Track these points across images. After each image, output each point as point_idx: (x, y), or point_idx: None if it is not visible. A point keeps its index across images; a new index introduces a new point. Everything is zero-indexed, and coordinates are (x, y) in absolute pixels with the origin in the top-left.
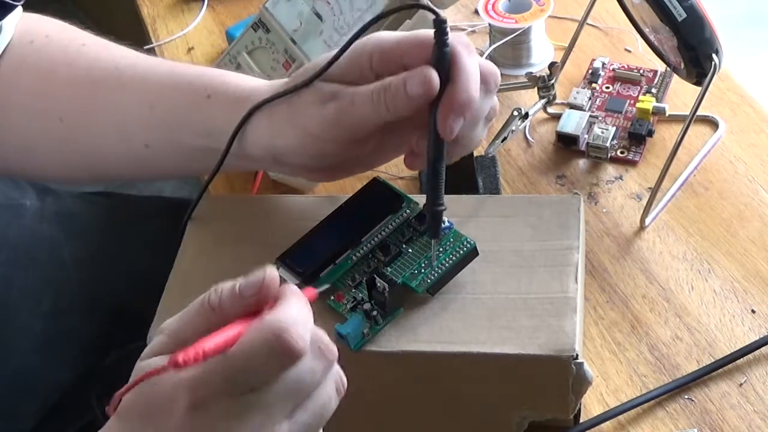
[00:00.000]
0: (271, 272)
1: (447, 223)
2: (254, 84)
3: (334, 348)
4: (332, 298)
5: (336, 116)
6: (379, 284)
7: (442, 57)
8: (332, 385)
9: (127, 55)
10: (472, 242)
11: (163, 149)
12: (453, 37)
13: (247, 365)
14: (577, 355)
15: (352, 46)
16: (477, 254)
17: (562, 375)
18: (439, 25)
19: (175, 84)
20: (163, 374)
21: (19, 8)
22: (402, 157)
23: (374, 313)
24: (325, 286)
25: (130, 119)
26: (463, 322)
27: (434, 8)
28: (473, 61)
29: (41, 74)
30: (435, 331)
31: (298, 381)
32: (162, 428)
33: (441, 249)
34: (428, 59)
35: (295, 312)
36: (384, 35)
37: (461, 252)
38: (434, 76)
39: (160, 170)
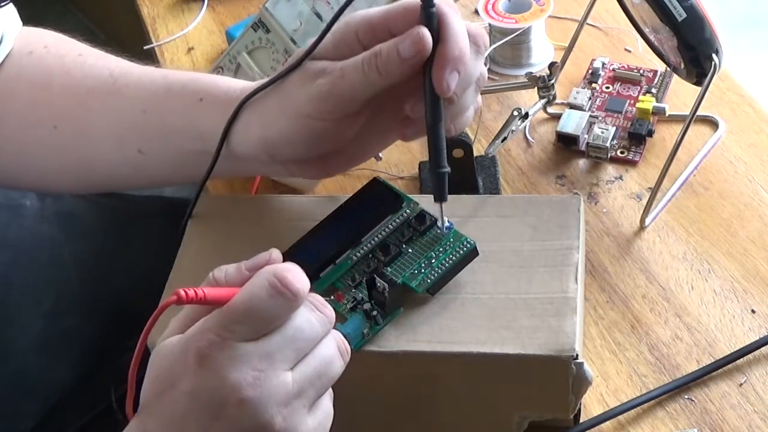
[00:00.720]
0: (276, 253)
1: (447, 223)
2: (244, 84)
3: (330, 308)
4: (332, 298)
5: (327, 90)
6: (379, 284)
7: (429, 17)
8: (333, 344)
9: (122, 63)
10: (472, 242)
11: (157, 154)
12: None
13: (248, 307)
14: (577, 355)
15: (337, 26)
16: (477, 254)
17: (562, 375)
18: None
19: (168, 89)
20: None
21: (18, 20)
22: (400, 157)
23: (374, 313)
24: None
25: (124, 125)
26: (463, 322)
27: None
28: (460, 20)
29: (37, 84)
30: (435, 331)
31: (297, 329)
32: (180, 389)
33: (441, 249)
34: (415, 24)
35: (292, 266)
36: (369, 10)
37: (461, 252)
38: (426, 35)
39: (155, 176)
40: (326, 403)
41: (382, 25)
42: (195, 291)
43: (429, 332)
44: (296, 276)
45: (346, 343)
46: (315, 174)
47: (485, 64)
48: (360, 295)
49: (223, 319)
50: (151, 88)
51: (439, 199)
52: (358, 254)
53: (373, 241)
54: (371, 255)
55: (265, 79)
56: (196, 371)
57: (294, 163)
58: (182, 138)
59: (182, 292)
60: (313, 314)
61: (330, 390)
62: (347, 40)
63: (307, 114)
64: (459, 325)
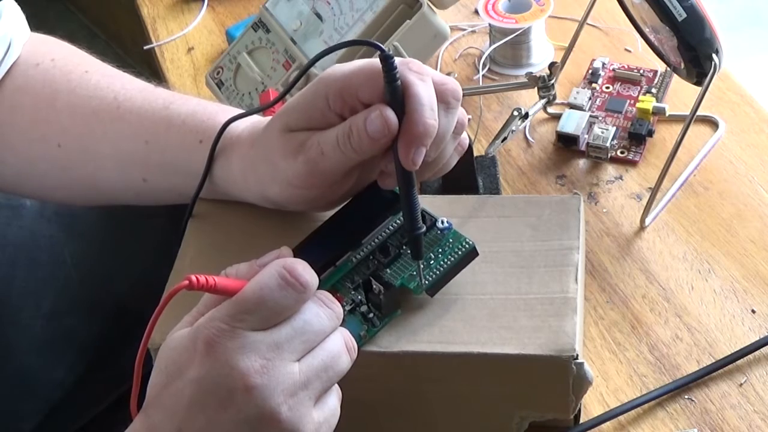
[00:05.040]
0: (285, 250)
1: (446, 224)
2: (240, 130)
3: (338, 304)
4: None
5: (310, 168)
6: (375, 287)
7: (394, 92)
8: (340, 339)
9: (127, 85)
10: (470, 243)
11: (160, 184)
12: (402, 65)
13: (258, 297)
14: (577, 355)
15: (308, 89)
16: (477, 254)
17: (563, 375)
18: (386, 60)
19: (168, 123)
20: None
21: (26, 27)
22: None
23: (371, 315)
24: None
25: (127, 152)
26: (464, 323)
27: (378, 44)
28: (426, 87)
29: (43, 99)
30: (435, 331)
31: (305, 322)
32: (187, 377)
33: (440, 250)
34: (382, 92)
35: (301, 261)
36: (334, 73)
37: (460, 253)
38: (390, 116)
39: (159, 200)
40: (333, 401)
41: (348, 90)
42: (206, 278)
43: (429, 332)
44: (305, 269)
45: (353, 340)
46: (323, 211)
47: (486, 65)
48: (359, 297)
49: (233, 309)
50: (152, 119)
51: (418, 257)
52: (358, 256)
53: (372, 243)
54: (371, 257)
55: (258, 125)
56: (204, 359)
57: (299, 210)
58: (185, 174)
59: (193, 278)
60: (322, 309)
61: (338, 390)
62: (318, 107)
63: (296, 185)
64: (459, 325)
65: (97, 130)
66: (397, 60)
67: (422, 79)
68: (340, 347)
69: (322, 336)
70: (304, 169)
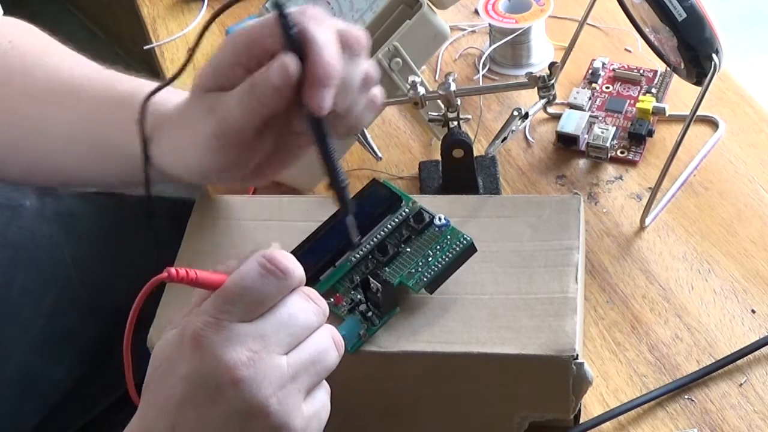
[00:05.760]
0: (275, 245)
1: (443, 221)
2: (171, 106)
3: (324, 301)
4: (331, 300)
5: (220, 127)
6: (372, 285)
7: (291, 39)
8: (328, 334)
9: (85, 69)
10: (468, 238)
11: (113, 167)
12: (298, 13)
13: (240, 287)
14: (577, 355)
15: (218, 48)
16: (475, 250)
17: (563, 375)
18: (278, 9)
19: (119, 104)
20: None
21: None
22: (401, 157)
23: (370, 314)
24: None
25: (79, 134)
26: (464, 323)
27: None
28: (325, 31)
29: None
30: (435, 331)
31: (291, 315)
32: (178, 374)
33: (438, 247)
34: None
35: (284, 252)
36: (242, 30)
37: (458, 249)
38: (289, 62)
39: (116, 184)
40: (323, 395)
41: (255, 45)
42: (186, 271)
43: (429, 332)
44: (286, 257)
45: (340, 336)
46: (258, 183)
47: (486, 65)
48: (358, 296)
49: (217, 301)
50: (104, 101)
51: (346, 210)
52: (357, 256)
53: (371, 242)
54: (370, 256)
55: (182, 101)
56: (192, 354)
57: (230, 180)
58: (133, 156)
59: (172, 270)
60: (308, 304)
61: (327, 386)
62: (227, 61)
63: (212, 147)
64: (459, 325)
65: (50, 111)
66: (293, 8)
67: (319, 24)
68: (327, 342)
69: (309, 331)
70: (216, 129)
